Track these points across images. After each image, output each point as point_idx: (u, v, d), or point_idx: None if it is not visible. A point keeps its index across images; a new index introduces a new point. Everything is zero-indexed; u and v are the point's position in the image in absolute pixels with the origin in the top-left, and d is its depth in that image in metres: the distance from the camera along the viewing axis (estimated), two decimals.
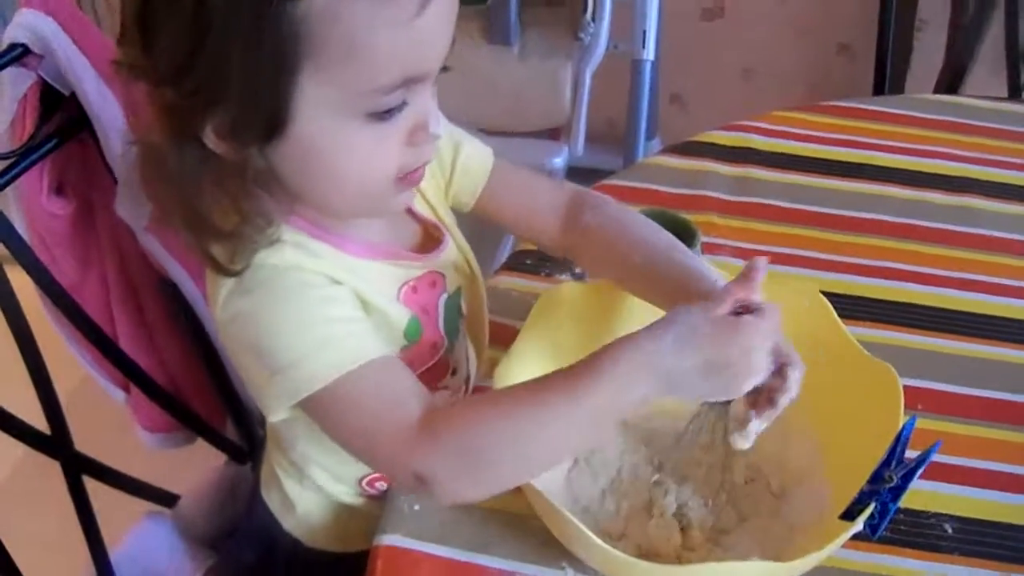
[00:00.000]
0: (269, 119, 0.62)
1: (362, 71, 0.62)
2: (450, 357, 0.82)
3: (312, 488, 0.86)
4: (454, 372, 0.83)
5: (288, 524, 0.89)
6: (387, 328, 0.74)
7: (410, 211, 0.80)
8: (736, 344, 0.65)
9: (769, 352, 0.67)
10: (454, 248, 0.82)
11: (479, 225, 0.89)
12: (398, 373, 0.69)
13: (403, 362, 0.71)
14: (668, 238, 0.83)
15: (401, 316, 0.75)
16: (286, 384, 0.66)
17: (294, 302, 0.67)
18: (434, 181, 0.84)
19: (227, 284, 0.68)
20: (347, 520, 0.87)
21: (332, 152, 0.65)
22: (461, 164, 0.84)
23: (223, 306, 0.68)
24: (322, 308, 0.68)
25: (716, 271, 0.78)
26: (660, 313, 0.70)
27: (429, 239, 0.81)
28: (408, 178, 0.69)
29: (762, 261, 0.70)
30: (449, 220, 0.84)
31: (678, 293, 0.75)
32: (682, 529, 0.77)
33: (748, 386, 0.66)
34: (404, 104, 0.65)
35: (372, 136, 0.65)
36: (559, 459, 0.70)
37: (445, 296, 0.80)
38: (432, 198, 0.83)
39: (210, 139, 0.64)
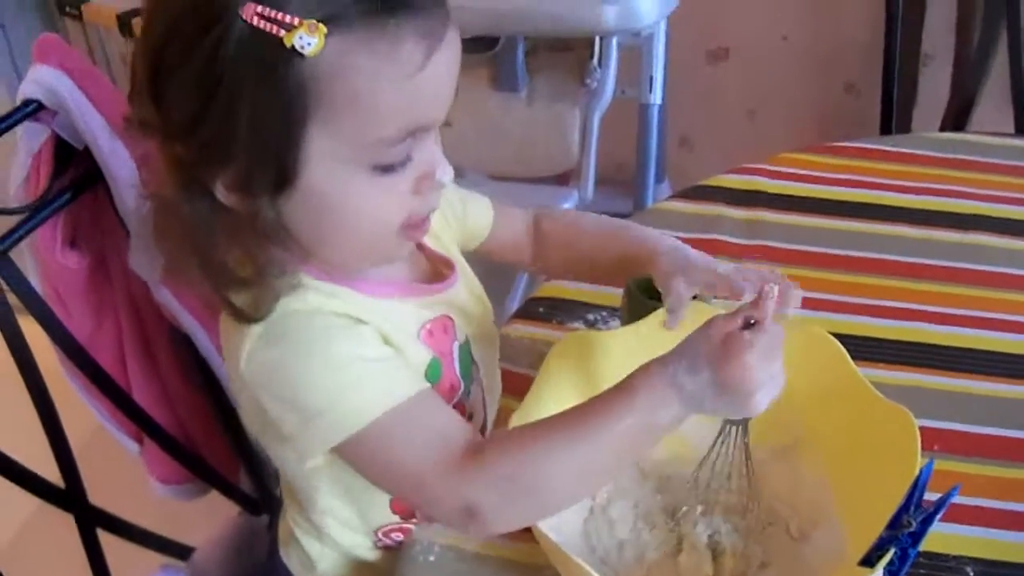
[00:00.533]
0: (278, 172, 0.63)
1: (367, 124, 0.63)
2: (466, 402, 0.81)
3: (331, 545, 0.84)
4: (470, 417, 0.83)
5: None
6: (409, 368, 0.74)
7: (419, 245, 0.81)
8: (732, 364, 0.65)
9: (774, 364, 0.66)
10: (463, 287, 0.82)
11: (488, 264, 0.92)
12: (437, 406, 0.70)
13: None
14: (617, 222, 0.91)
15: (423, 356, 0.75)
16: (322, 428, 0.66)
17: (322, 345, 0.67)
18: (444, 220, 0.85)
19: (250, 337, 0.68)
20: None
21: (341, 203, 0.66)
22: (471, 220, 0.88)
23: (248, 360, 0.68)
24: (352, 348, 0.68)
25: (655, 236, 0.86)
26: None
27: (438, 274, 0.81)
28: (416, 226, 0.70)
29: (772, 290, 0.68)
30: (458, 255, 0.85)
31: (630, 268, 0.86)
32: (714, 558, 0.76)
33: (761, 402, 0.66)
34: (409, 159, 0.66)
35: (380, 187, 0.66)
36: (600, 481, 0.74)
37: (457, 344, 0.80)
38: (441, 234, 0.84)
39: (221, 192, 0.65)
